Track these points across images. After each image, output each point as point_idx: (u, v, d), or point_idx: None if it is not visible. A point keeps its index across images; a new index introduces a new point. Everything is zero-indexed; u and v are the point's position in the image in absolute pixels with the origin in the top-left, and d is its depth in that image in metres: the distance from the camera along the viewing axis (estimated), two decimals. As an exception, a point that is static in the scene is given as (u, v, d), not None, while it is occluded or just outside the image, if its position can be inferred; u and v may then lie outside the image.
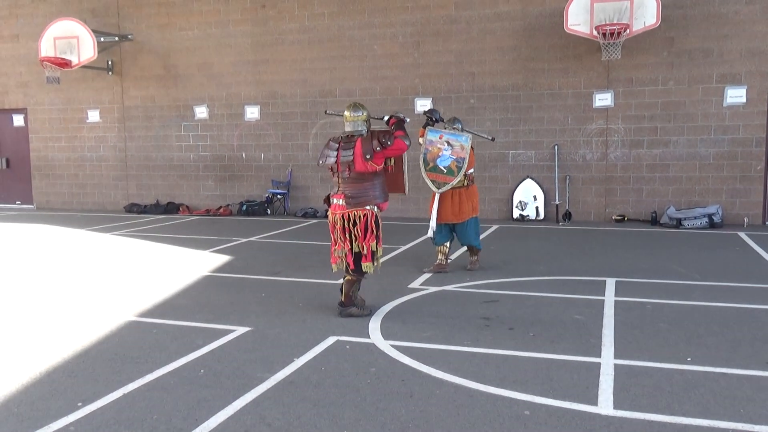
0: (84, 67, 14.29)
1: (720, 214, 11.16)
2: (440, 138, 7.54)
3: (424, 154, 7.55)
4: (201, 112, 14.52)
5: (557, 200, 12.11)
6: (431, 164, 7.55)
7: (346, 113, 5.81)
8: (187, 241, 10.27)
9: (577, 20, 11.15)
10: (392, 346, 4.96)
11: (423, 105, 12.86)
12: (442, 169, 7.54)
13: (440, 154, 7.50)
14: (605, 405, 3.85)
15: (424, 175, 7.59)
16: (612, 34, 10.84)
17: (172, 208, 14.58)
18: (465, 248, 8.09)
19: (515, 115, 12.44)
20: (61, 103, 15.54)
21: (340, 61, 13.39)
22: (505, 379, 4.27)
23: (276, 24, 13.74)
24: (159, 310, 6.18)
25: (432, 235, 7.57)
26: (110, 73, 15.01)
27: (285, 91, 13.82)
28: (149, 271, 7.96)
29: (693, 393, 4.01)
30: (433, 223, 7.51)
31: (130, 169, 15.26)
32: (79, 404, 3.95)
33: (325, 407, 3.88)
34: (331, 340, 5.11)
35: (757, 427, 3.54)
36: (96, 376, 4.43)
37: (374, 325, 5.52)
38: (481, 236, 10.38)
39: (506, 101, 12.46)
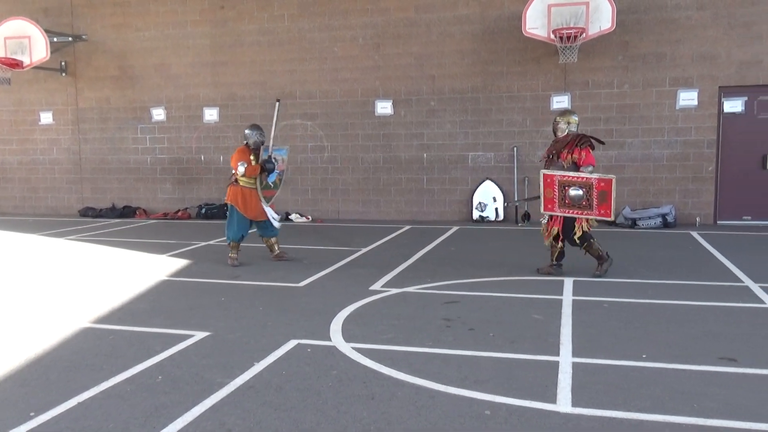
0: (36, 67, 13.93)
1: (673, 214, 11.44)
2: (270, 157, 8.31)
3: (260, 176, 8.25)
4: (158, 113, 14.30)
5: (516, 201, 12.24)
6: (264, 183, 8.27)
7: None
8: (145, 245, 10.09)
9: (535, 24, 11.30)
10: (353, 348, 4.96)
11: (383, 107, 12.90)
12: (270, 184, 8.37)
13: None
14: (564, 403, 3.91)
15: (260, 193, 8.25)
16: (569, 37, 11.02)
17: (128, 212, 14.32)
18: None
19: (475, 117, 12.55)
20: (12, 105, 15.13)
21: (300, 63, 13.33)
22: (465, 380, 4.30)
23: (235, 25, 13.61)
24: (115, 315, 6.05)
25: (278, 227, 8.50)
26: (63, 74, 14.67)
27: (244, 93, 13.70)
28: (105, 276, 7.79)
29: (648, 389, 4.09)
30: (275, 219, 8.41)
31: (85, 172, 14.93)
32: (32, 414, 3.84)
33: (286, 411, 3.85)
34: (292, 344, 5.07)
35: (709, 421, 3.63)
36: (49, 384, 4.32)
37: (335, 327, 5.51)
38: (442, 237, 10.52)
39: (466, 103, 12.57)
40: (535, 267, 7.74)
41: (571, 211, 7.14)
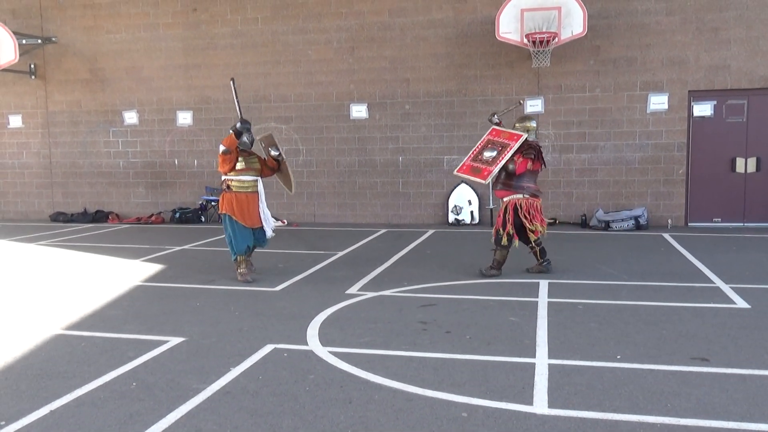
0: (4, 70, 13.69)
1: (645, 216, 11.60)
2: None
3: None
4: (130, 117, 14.13)
5: (491, 204, 12.32)
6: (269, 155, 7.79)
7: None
8: (118, 251, 9.96)
9: (509, 28, 11.40)
10: (330, 352, 4.94)
11: (358, 111, 12.90)
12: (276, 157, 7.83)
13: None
14: (540, 404, 3.93)
15: (288, 172, 7.89)
16: (541, 42, 11.14)
17: (100, 217, 14.11)
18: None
19: (449, 120, 12.61)
20: (-21, 108, 14.85)
21: (274, 66, 13.28)
22: (442, 382, 4.31)
23: (208, 28, 13.52)
24: (87, 322, 5.96)
25: (270, 236, 7.76)
26: (33, 76, 14.42)
27: (218, 96, 13.60)
28: (77, 282, 7.67)
29: (623, 390, 4.14)
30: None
31: (56, 177, 14.70)
32: (2, 423, 3.76)
33: (262, 416, 3.82)
34: (268, 348, 5.04)
35: (683, 421, 3.68)
36: (20, 393, 4.24)
37: (312, 331, 5.48)
38: (418, 241, 10.54)
39: (440, 107, 12.62)
40: (510, 269, 7.78)
41: (471, 163, 7.56)
